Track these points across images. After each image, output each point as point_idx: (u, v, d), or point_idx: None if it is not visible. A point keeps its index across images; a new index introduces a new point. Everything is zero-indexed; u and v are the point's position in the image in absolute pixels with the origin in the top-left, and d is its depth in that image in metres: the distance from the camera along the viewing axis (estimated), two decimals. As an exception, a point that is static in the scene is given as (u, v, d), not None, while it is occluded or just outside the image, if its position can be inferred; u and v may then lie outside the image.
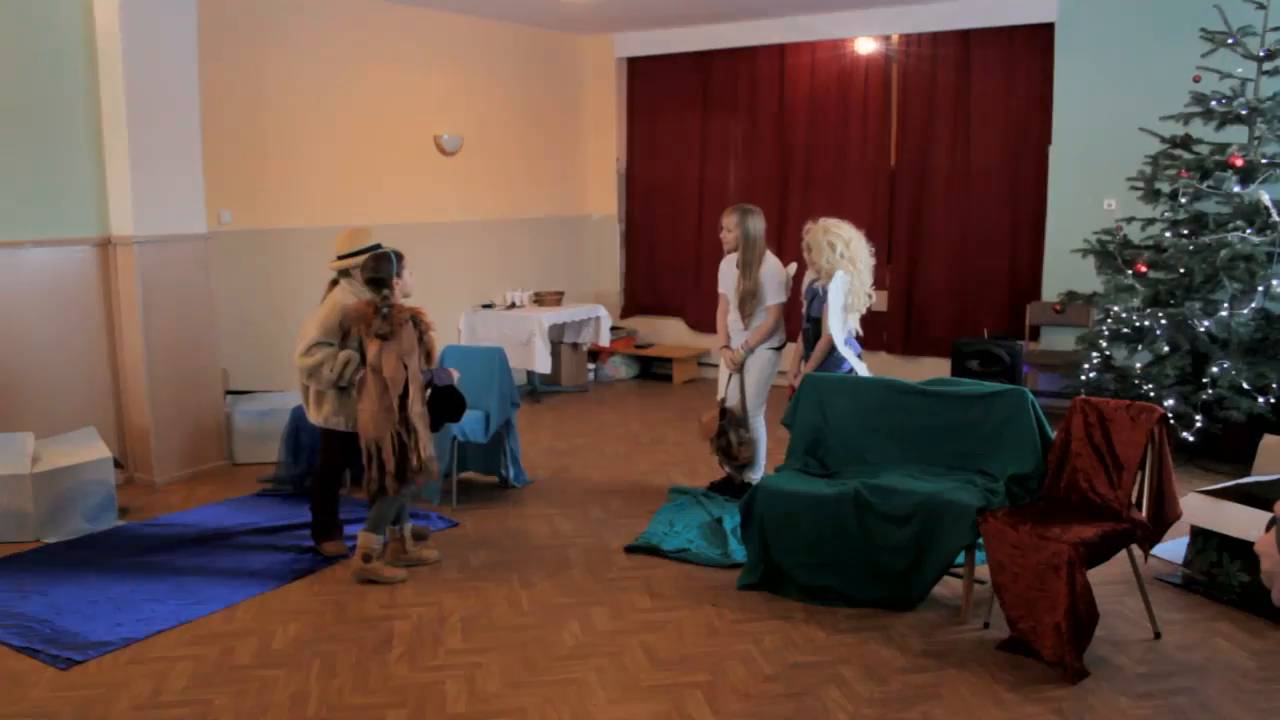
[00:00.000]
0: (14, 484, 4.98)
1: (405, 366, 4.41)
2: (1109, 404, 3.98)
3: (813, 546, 4.23)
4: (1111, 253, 6.47)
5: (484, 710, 3.41)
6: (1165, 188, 6.31)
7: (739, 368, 5.51)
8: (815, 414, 4.71)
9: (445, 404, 4.68)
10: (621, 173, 9.68)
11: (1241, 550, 4.08)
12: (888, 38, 8.19)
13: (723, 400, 5.58)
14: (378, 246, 4.66)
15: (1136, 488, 3.84)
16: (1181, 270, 6.11)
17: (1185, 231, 6.19)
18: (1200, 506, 4.26)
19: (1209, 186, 6.04)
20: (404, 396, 4.42)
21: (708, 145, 9.21)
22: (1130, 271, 6.29)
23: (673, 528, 5.11)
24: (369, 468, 4.46)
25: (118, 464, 5.60)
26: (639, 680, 3.61)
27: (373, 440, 4.45)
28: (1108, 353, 6.35)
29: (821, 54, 8.50)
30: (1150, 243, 6.34)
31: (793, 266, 5.60)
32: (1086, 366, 6.43)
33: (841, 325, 5.12)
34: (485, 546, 4.94)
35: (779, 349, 5.57)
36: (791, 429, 4.78)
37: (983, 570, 4.09)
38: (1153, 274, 6.25)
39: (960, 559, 4.11)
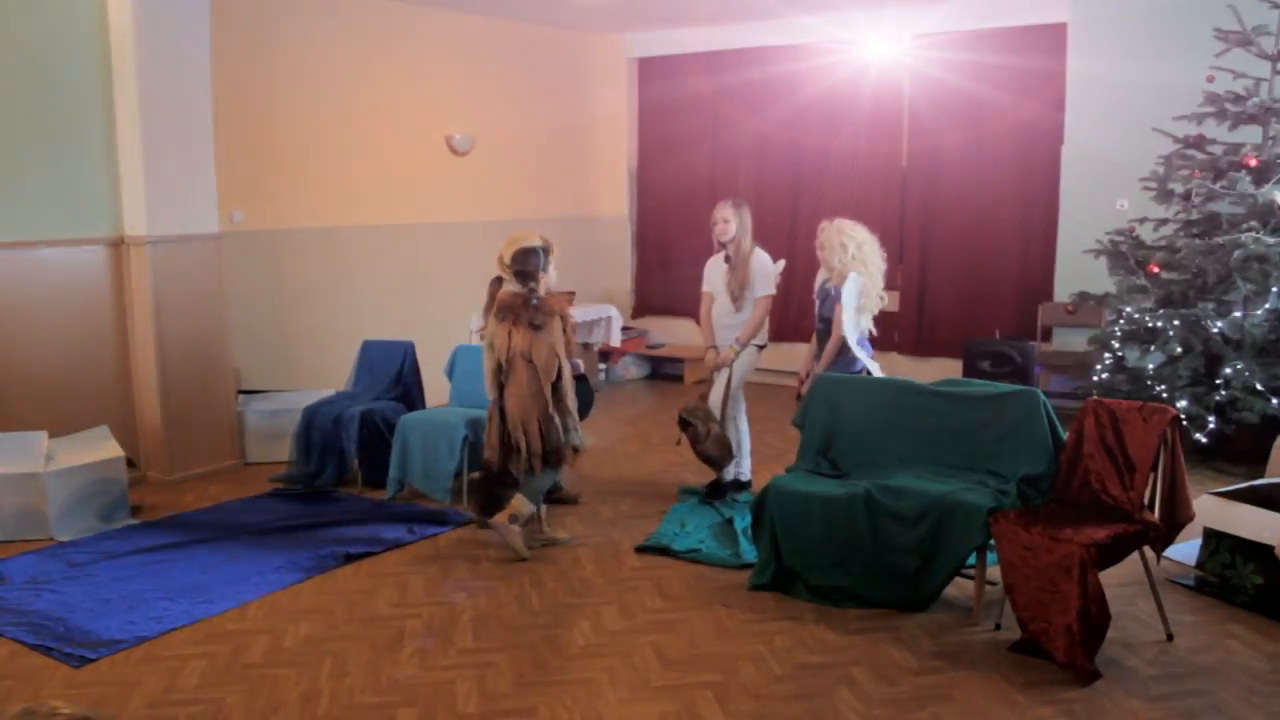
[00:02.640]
0: (28, 483, 5.01)
1: (558, 356, 4.71)
2: (1121, 405, 3.96)
3: (824, 547, 4.23)
4: (1124, 253, 6.45)
5: (494, 710, 3.41)
6: (1178, 188, 6.28)
7: (729, 365, 5.50)
8: (826, 414, 4.71)
9: (579, 395, 4.97)
10: (632, 173, 9.69)
11: (1255, 552, 4.06)
12: (900, 38, 8.17)
13: (703, 396, 5.59)
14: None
15: (1149, 489, 3.82)
16: (1194, 271, 6.08)
17: (1198, 232, 6.17)
18: (1213, 508, 4.24)
19: (1222, 187, 6.01)
20: (556, 384, 4.71)
21: (719, 145, 9.20)
22: (1143, 272, 6.26)
23: (684, 528, 5.11)
24: (515, 449, 4.71)
25: (130, 463, 5.63)
26: (650, 680, 3.61)
27: (519, 423, 4.70)
28: (1120, 354, 6.32)
29: (833, 54, 8.48)
30: (1163, 243, 6.31)
31: (781, 263, 5.61)
32: (1099, 367, 6.40)
33: (855, 326, 5.12)
34: (496, 546, 4.93)
35: (762, 347, 5.62)
36: (803, 429, 4.77)
37: (994, 571, 4.08)
38: (1165, 275, 6.23)
39: (972, 560, 4.10)
